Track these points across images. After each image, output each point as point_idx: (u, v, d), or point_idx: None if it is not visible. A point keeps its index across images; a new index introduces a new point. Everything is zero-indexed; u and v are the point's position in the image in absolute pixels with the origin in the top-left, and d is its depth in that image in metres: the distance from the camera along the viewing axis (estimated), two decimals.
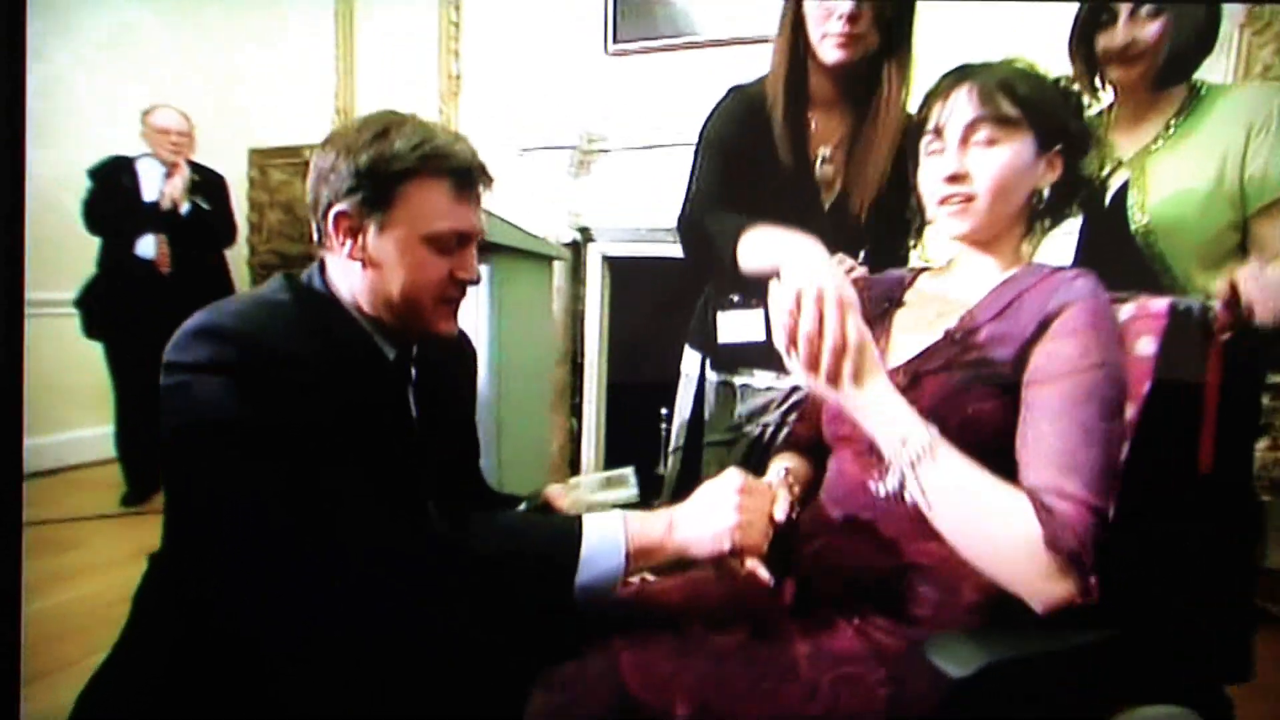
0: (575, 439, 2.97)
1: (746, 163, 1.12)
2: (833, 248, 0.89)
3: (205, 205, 2.70)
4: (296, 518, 0.65)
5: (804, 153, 1.12)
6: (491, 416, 1.68)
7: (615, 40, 2.77)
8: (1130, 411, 0.76)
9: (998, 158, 0.79)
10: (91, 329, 2.57)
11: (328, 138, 0.79)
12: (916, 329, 0.87)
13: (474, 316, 1.59)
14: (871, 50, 1.06)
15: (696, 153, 1.18)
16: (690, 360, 1.32)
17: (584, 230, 2.87)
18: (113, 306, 2.55)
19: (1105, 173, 1.14)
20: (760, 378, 1.21)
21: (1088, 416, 0.70)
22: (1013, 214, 0.83)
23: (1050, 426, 0.70)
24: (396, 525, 0.70)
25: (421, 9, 3.24)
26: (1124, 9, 1.10)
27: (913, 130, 0.89)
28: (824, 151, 1.14)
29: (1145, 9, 1.10)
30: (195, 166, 2.71)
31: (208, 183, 2.74)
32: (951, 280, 0.89)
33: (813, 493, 0.93)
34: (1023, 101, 0.79)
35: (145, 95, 2.81)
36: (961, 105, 0.80)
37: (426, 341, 0.88)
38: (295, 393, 0.69)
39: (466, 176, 0.78)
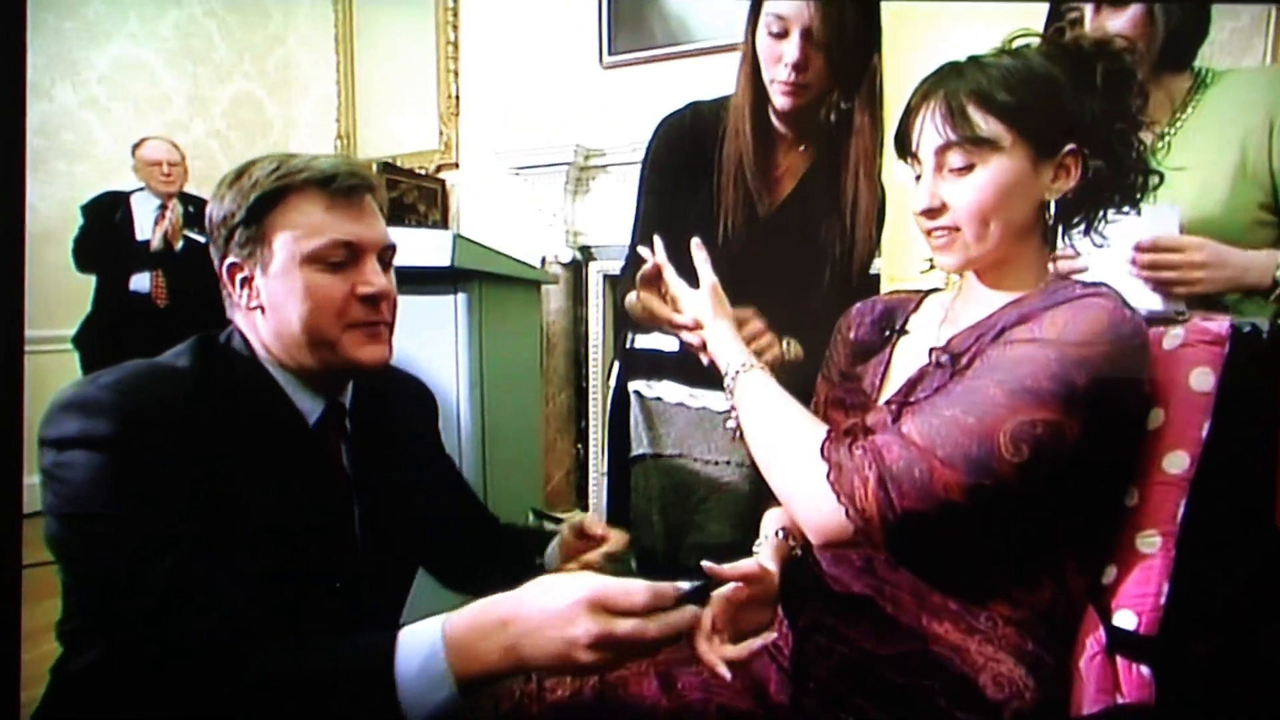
0: (582, 465, 2.87)
1: (687, 183, 1.08)
2: (752, 270, 0.93)
3: (200, 238, 2.66)
4: (158, 606, 0.62)
5: (759, 183, 1.06)
6: (475, 453, 1.58)
7: (610, 52, 2.69)
8: (1184, 462, 0.63)
9: (976, 185, 0.67)
10: (90, 368, 2.54)
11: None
12: (914, 358, 0.76)
13: (451, 350, 1.52)
14: (827, 95, 1.01)
15: (643, 169, 1.14)
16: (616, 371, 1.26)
17: (584, 249, 2.79)
18: (110, 343, 2.51)
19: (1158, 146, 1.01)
20: (670, 392, 1.15)
21: (986, 383, 0.61)
22: (1016, 235, 0.70)
23: (949, 384, 0.64)
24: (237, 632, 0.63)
25: (420, 30, 3.21)
26: (1088, 8, 1.02)
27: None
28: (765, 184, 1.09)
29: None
30: (189, 198, 2.67)
31: (203, 214, 2.70)
32: (958, 304, 0.78)
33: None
34: (1004, 111, 0.66)
35: (148, 130, 2.79)
36: (929, 127, 0.69)
37: (364, 382, 0.84)
38: (181, 467, 0.65)
39: (333, 183, 0.74)
